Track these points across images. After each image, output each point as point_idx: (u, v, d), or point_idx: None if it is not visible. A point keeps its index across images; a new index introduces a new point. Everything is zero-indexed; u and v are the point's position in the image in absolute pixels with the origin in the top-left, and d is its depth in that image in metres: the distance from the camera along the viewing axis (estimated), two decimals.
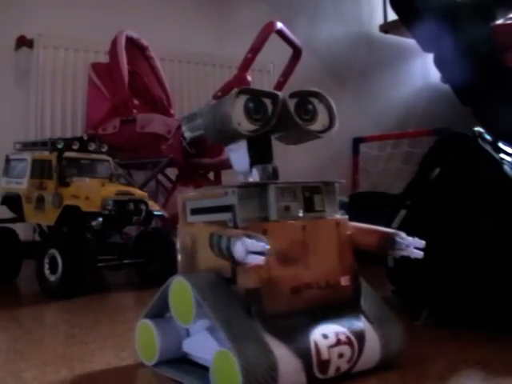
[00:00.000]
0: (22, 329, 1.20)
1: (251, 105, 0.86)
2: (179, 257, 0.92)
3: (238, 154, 0.90)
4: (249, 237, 0.74)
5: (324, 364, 0.77)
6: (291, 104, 0.88)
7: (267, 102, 0.87)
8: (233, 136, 0.87)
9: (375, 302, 0.89)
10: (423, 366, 0.92)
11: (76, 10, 2.40)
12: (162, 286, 0.89)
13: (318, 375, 0.77)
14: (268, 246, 0.75)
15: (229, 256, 0.75)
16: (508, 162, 1.23)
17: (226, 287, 0.80)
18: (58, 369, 0.90)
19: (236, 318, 0.76)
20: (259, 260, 0.74)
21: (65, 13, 2.37)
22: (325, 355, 0.77)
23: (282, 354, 0.74)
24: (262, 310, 0.77)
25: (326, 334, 0.79)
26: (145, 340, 0.91)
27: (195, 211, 0.89)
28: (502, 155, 1.25)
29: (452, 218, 1.22)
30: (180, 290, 0.83)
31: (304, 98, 0.90)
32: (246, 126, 0.85)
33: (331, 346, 0.78)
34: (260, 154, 0.89)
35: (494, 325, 1.09)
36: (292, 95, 0.89)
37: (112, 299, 1.56)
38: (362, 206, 2.22)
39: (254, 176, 0.88)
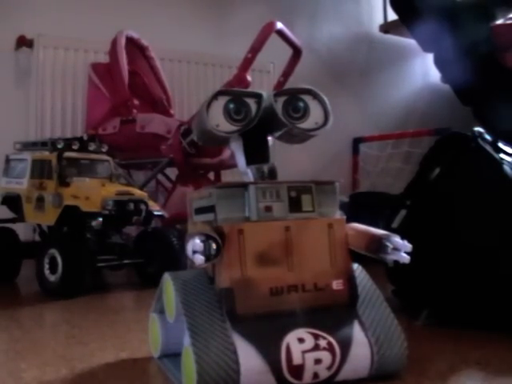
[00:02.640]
0: (22, 329, 1.20)
1: (232, 106, 0.85)
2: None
3: (237, 154, 0.90)
4: (206, 237, 0.75)
5: (296, 368, 0.75)
6: (279, 103, 0.87)
7: (251, 102, 0.86)
8: (212, 137, 0.87)
9: (377, 308, 0.85)
10: (423, 366, 0.92)
11: (76, 10, 2.40)
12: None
13: (291, 380, 0.75)
14: (214, 247, 0.75)
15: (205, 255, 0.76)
16: (508, 161, 1.23)
17: (207, 286, 0.81)
18: (58, 369, 0.90)
19: (206, 317, 0.76)
20: (198, 260, 0.74)
21: (65, 13, 2.37)
22: (297, 360, 0.75)
23: (247, 354, 0.73)
24: (235, 310, 0.76)
25: (302, 337, 0.76)
26: (152, 333, 0.95)
27: (198, 211, 0.90)
28: (502, 155, 1.25)
29: (452, 218, 1.22)
30: (167, 287, 0.86)
31: (294, 95, 0.89)
32: (224, 127, 0.85)
33: (306, 351, 0.76)
34: (256, 153, 0.88)
35: (494, 325, 1.09)
36: (280, 93, 0.88)
37: (112, 299, 1.56)
38: (361, 205, 2.21)
39: (249, 176, 0.88)
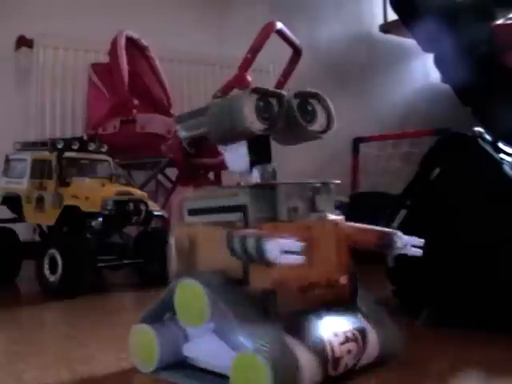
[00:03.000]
0: (22, 329, 1.20)
1: (261, 104, 0.85)
2: (173, 258, 0.91)
3: (236, 154, 0.89)
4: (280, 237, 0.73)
5: (337, 361, 0.78)
6: (294, 104, 0.88)
7: (273, 101, 0.87)
8: (244, 135, 0.86)
9: (370, 301, 0.90)
10: (423, 366, 0.92)
11: (76, 10, 2.40)
12: (164, 290, 0.87)
13: (331, 372, 0.78)
14: (302, 245, 0.73)
15: (258, 256, 0.73)
16: (508, 161, 1.23)
17: (236, 288, 0.79)
18: (57, 370, 0.90)
19: (255, 318, 0.76)
20: (297, 259, 0.72)
21: (65, 13, 2.37)
22: (337, 352, 0.78)
23: (302, 352, 0.75)
24: (278, 311, 0.77)
25: (336, 332, 0.80)
26: (142, 345, 0.89)
27: (194, 212, 0.88)
28: (502, 155, 1.25)
29: (452, 218, 1.22)
30: (189, 291, 0.81)
31: (305, 98, 0.90)
32: (257, 125, 0.84)
33: (341, 343, 0.79)
34: (260, 154, 0.88)
35: (494, 325, 1.09)
36: (295, 96, 0.89)
37: (112, 299, 1.55)
38: (362, 205, 2.21)
39: (255, 176, 0.87)
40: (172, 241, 0.91)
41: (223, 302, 0.77)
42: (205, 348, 0.85)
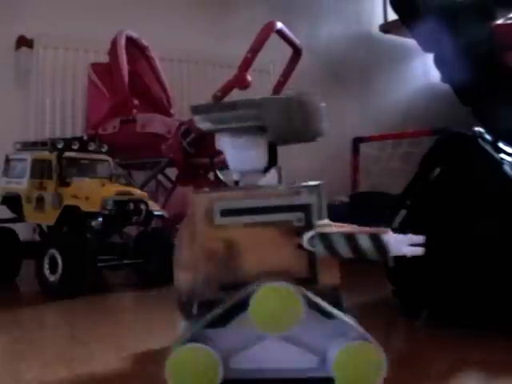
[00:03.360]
0: (22, 329, 1.20)
1: None
2: (199, 264, 0.81)
3: (253, 153, 0.85)
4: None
5: None
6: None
7: None
8: (311, 137, 0.86)
9: None
10: (423, 366, 0.92)
11: (76, 10, 2.40)
12: (232, 300, 0.78)
13: None
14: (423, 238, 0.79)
15: (378, 253, 0.77)
16: (508, 161, 1.23)
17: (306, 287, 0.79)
18: (58, 369, 0.90)
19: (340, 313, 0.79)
20: (419, 251, 0.78)
21: (65, 13, 2.37)
22: None
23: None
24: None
25: None
26: (194, 369, 0.76)
27: (229, 213, 0.81)
28: (502, 155, 1.25)
29: (452, 218, 1.22)
30: (277, 296, 0.76)
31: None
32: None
33: None
34: (273, 154, 0.87)
35: (494, 325, 1.09)
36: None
37: (112, 299, 1.55)
38: (362, 205, 2.21)
39: (272, 177, 0.85)
40: (185, 245, 0.85)
41: (314, 303, 0.77)
42: (276, 354, 0.79)
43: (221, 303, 0.78)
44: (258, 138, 0.85)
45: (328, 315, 0.77)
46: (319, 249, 0.78)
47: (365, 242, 0.77)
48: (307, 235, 0.79)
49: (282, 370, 0.78)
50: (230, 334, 0.77)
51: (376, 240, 0.77)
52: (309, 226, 0.80)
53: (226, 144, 0.87)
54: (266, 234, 0.81)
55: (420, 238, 0.83)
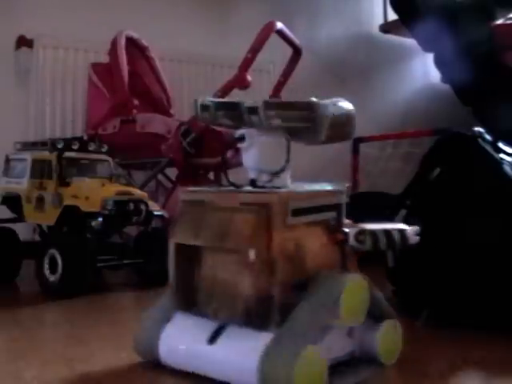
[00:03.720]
0: (22, 328, 1.20)
1: None
2: (276, 266, 0.79)
3: (277, 153, 0.87)
4: None
5: None
6: None
7: None
8: (344, 140, 1.01)
9: None
10: (423, 366, 0.92)
11: (76, 10, 2.40)
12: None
13: None
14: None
15: (403, 244, 0.90)
16: (508, 161, 1.23)
17: None
18: (57, 368, 0.90)
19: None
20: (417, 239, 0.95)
21: (65, 13, 2.37)
22: None
23: None
24: None
25: None
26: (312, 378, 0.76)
27: (298, 212, 0.81)
28: (502, 155, 1.25)
29: (452, 218, 1.21)
30: (357, 289, 0.83)
31: None
32: None
33: None
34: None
35: (494, 325, 1.09)
36: None
37: (112, 299, 1.55)
38: (362, 205, 2.21)
39: (288, 176, 0.88)
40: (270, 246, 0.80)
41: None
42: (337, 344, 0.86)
43: (297, 304, 0.79)
44: (282, 139, 0.87)
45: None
46: (368, 244, 0.86)
47: (397, 236, 0.88)
48: (352, 232, 0.86)
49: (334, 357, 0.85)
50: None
51: (403, 233, 0.89)
52: (340, 224, 0.87)
53: (253, 143, 0.87)
54: (317, 232, 0.85)
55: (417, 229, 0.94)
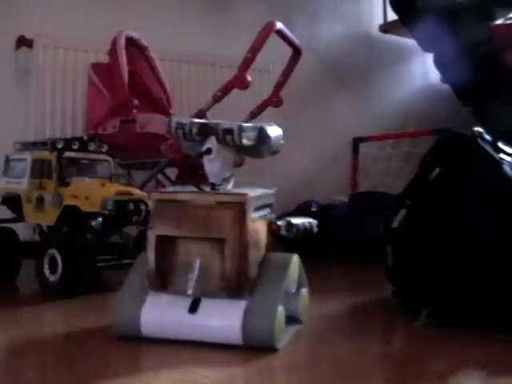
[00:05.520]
0: (22, 328, 1.20)
1: None
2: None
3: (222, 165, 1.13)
4: None
5: None
6: None
7: None
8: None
9: None
10: (423, 366, 0.92)
11: (76, 10, 2.40)
12: None
13: None
14: None
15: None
16: (508, 161, 1.23)
17: None
18: (57, 368, 0.90)
19: None
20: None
21: (65, 13, 2.37)
22: None
23: None
24: None
25: None
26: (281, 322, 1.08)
27: (257, 209, 1.11)
28: (502, 155, 1.25)
29: (452, 218, 1.22)
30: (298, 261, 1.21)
31: None
32: None
33: None
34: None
35: (494, 325, 1.09)
36: None
37: (112, 299, 1.55)
38: (362, 205, 2.21)
39: (232, 181, 1.16)
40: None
41: None
42: None
43: (259, 278, 1.08)
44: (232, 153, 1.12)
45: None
46: (293, 233, 1.15)
47: (309, 227, 1.18)
48: (283, 224, 1.15)
49: None
50: None
51: (312, 225, 1.20)
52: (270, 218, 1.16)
53: (217, 156, 1.11)
54: (262, 224, 1.13)
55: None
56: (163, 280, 1.06)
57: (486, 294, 1.13)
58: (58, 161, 1.58)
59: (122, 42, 2.13)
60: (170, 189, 1.18)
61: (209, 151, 1.11)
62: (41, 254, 1.50)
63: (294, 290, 1.15)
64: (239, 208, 1.03)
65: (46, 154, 1.62)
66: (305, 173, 2.61)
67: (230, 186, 1.13)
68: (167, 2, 2.64)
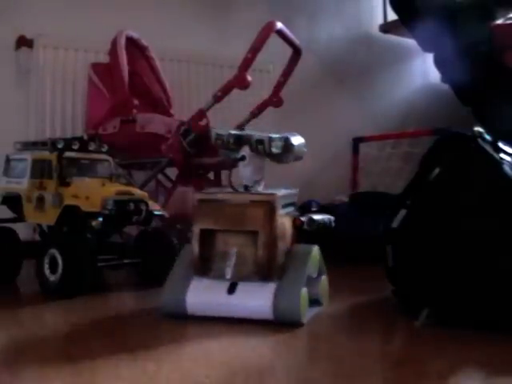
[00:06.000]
0: (22, 328, 1.21)
1: None
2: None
3: (257, 168, 1.33)
4: None
5: None
6: None
7: None
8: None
9: None
10: (423, 366, 0.92)
11: (76, 10, 2.40)
12: None
13: None
14: None
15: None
16: (508, 161, 1.23)
17: None
18: (57, 368, 0.90)
19: None
20: None
21: (65, 13, 2.37)
22: None
23: None
24: None
25: None
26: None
27: (283, 207, 1.31)
28: (502, 155, 1.25)
29: (452, 218, 1.22)
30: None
31: None
32: None
33: None
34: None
35: (494, 325, 1.10)
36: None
37: (112, 299, 1.56)
38: (362, 205, 2.21)
39: (263, 184, 1.35)
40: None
41: None
42: None
43: (286, 264, 1.28)
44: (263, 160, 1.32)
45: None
46: (314, 227, 1.33)
47: (328, 222, 1.38)
48: (306, 219, 1.32)
49: None
50: None
51: (330, 220, 1.38)
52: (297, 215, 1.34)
53: (250, 162, 1.29)
54: (288, 219, 1.31)
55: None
56: (205, 267, 1.25)
57: (485, 294, 1.13)
58: (58, 161, 1.58)
59: (122, 41, 2.13)
60: (211, 190, 1.35)
61: (243, 158, 1.30)
62: (41, 253, 1.50)
63: (315, 275, 1.32)
64: (269, 206, 1.22)
65: (46, 154, 1.62)
66: (305, 173, 2.61)
67: (260, 188, 1.31)
68: (167, 2, 2.64)
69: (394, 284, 1.32)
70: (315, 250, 1.32)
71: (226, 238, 1.24)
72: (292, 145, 1.28)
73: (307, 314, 1.23)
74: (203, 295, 1.23)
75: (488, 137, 1.27)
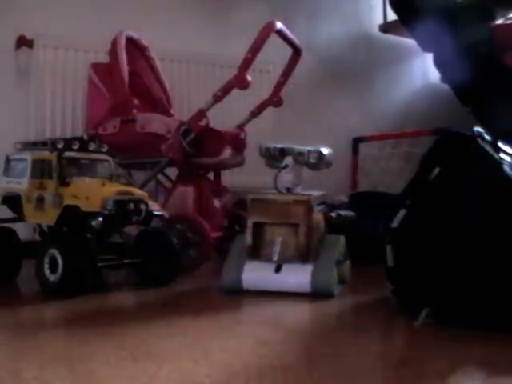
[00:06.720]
0: (22, 328, 1.21)
1: None
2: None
3: (297, 174, 1.70)
4: None
5: None
6: None
7: None
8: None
9: None
10: (423, 366, 0.92)
11: (76, 10, 2.40)
12: None
13: None
14: None
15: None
16: (508, 161, 1.23)
17: None
18: (57, 368, 0.90)
19: None
20: None
21: (65, 13, 2.37)
22: None
23: None
24: None
25: None
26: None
27: (317, 205, 1.66)
28: (502, 155, 1.25)
29: (452, 218, 1.22)
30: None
31: None
32: None
33: None
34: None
35: (494, 325, 1.10)
36: None
37: (112, 299, 1.56)
38: (362, 205, 2.22)
39: (300, 186, 1.71)
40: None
41: None
42: None
43: (319, 250, 1.62)
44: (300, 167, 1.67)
45: None
46: (341, 220, 1.78)
47: (350, 216, 1.89)
48: (334, 215, 1.78)
49: None
50: None
51: (352, 216, 1.84)
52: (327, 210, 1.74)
53: (291, 169, 1.64)
54: (319, 215, 1.65)
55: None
56: (256, 252, 1.57)
57: (485, 294, 1.13)
58: (58, 161, 1.58)
59: (122, 42, 2.13)
60: (261, 192, 1.64)
61: (286, 167, 1.64)
62: (41, 253, 1.50)
63: (342, 259, 1.62)
64: (308, 204, 1.56)
65: (46, 154, 1.62)
66: (304, 173, 2.61)
67: (299, 190, 1.63)
68: (167, 2, 2.64)
69: (393, 284, 1.32)
70: (342, 239, 1.64)
71: (272, 229, 1.57)
72: (324, 155, 1.64)
73: (336, 289, 1.53)
74: (256, 274, 1.54)
75: (488, 137, 1.27)
